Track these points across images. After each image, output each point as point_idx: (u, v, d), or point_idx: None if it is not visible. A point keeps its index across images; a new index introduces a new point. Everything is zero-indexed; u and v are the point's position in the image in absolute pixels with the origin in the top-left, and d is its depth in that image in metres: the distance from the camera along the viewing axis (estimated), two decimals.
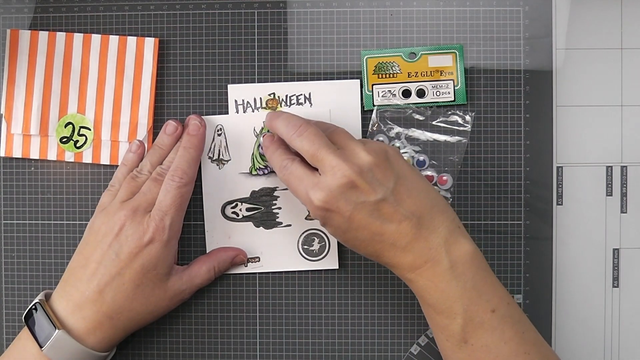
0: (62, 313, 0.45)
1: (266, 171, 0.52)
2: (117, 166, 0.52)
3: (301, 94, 0.52)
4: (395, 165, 0.43)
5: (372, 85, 0.51)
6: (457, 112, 0.51)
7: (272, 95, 0.52)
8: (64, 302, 0.45)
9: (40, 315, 0.45)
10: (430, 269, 0.42)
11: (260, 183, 0.52)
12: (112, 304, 0.45)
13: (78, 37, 0.52)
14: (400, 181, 0.43)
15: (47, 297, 0.47)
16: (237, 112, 0.52)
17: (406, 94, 0.51)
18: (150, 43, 0.52)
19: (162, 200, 0.46)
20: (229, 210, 0.52)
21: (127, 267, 0.45)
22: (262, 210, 0.52)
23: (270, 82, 0.52)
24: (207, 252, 0.52)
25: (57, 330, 0.44)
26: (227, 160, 0.52)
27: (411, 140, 0.52)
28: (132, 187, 0.48)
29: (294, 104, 0.52)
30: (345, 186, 0.41)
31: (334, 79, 0.52)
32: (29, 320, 0.45)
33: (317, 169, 0.43)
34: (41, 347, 0.44)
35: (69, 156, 0.53)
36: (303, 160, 0.45)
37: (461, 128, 0.51)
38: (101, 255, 0.45)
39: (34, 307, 0.45)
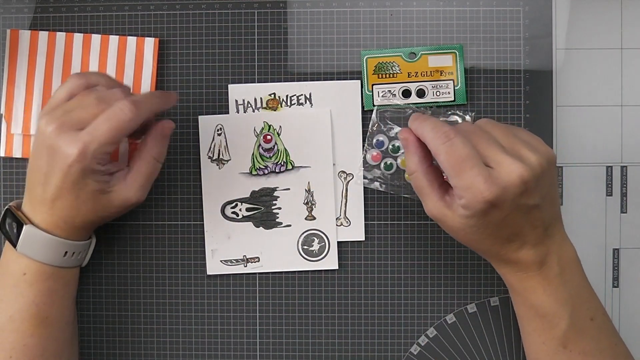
0: (29, 213, 0.45)
1: (266, 171, 0.52)
2: None
3: (301, 94, 0.52)
4: (554, 172, 0.42)
5: (372, 85, 0.51)
6: (457, 112, 0.51)
7: (272, 95, 0.52)
8: (29, 204, 0.45)
9: (10, 218, 0.45)
10: (543, 270, 0.42)
11: (260, 183, 0.52)
12: (62, 212, 0.44)
13: (78, 37, 0.52)
14: (553, 188, 0.42)
15: (19, 205, 0.47)
16: (238, 112, 0.52)
17: (406, 94, 0.51)
18: (150, 43, 0.52)
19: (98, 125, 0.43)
20: (228, 210, 0.52)
21: (62, 181, 0.43)
22: (262, 210, 0.52)
23: (270, 82, 0.52)
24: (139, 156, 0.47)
25: (25, 226, 0.44)
26: (227, 160, 0.52)
27: None
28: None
29: (294, 104, 0.52)
30: (519, 187, 0.39)
31: (334, 79, 0.52)
32: (3, 227, 0.45)
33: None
34: (16, 247, 0.44)
35: None
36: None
37: None
38: (44, 165, 0.44)
39: (5, 213, 0.45)
